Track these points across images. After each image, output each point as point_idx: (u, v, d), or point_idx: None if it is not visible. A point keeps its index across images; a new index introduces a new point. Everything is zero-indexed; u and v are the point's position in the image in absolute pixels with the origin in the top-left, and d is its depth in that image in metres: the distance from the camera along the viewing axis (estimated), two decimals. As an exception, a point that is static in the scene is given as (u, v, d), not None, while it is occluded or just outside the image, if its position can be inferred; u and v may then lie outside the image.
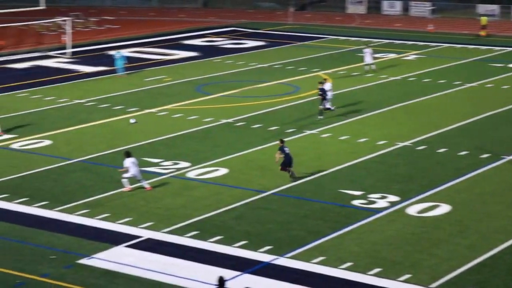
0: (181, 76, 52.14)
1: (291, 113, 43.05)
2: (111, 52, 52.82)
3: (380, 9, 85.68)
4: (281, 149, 31.83)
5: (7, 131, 38.50)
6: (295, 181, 31.77)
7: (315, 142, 37.73)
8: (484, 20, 70.70)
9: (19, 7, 66.70)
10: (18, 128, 39.31)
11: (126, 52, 60.34)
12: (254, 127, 40.06)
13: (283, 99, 45.87)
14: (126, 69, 52.08)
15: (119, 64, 51.73)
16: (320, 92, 41.19)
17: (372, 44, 64.72)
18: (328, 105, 41.56)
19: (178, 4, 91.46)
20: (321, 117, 41.05)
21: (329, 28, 75.14)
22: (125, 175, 30.62)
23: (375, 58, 54.26)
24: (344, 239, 26.67)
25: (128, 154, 30.90)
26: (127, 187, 30.67)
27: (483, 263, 24.86)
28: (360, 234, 27.07)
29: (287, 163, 31.78)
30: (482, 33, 70.04)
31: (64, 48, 58.93)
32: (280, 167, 31.82)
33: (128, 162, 30.57)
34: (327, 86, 42.29)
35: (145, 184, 30.91)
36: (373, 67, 53.54)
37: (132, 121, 28.58)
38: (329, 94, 41.95)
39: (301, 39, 68.49)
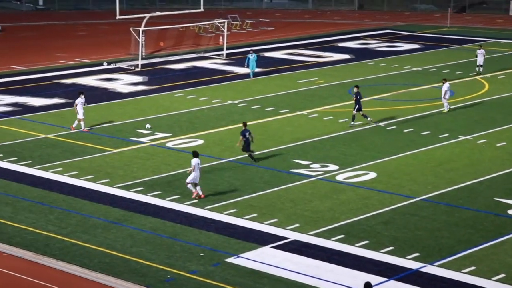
0: (334, 79, 52.09)
1: (445, 117, 42.12)
2: (248, 54, 53.44)
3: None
4: (242, 133, 33.67)
5: (161, 129, 39.71)
6: (255, 162, 33.86)
7: (469, 148, 36.74)
8: None
9: (179, 10, 68.68)
10: (173, 127, 40.48)
11: (279, 54, 61.07)
12: (406, 131, 39.45)
13: (438, 103, 44.90)
14: (255, 73, 52.29)
15: (253, 66, 52.02)
16: (356, 97, 39.83)
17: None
18: (446, 107, 42.32)
19: (333, 7, 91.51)
20: (353, 122, 40.00)
21: (490, 30, 73.02)
22: (189, 177, 29.90)
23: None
24: (498, 249, 25.85)
25: (195, 154, 30.16)
26: (194, 192, 30.16)
27: None
28: (514, 245, 26.17)
29: (245, 147, 33.46)
30: None
31: (220, 49, 60.18)
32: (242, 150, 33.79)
33: (194, 162, 29.85)
34: (445, 86, 42.37)
35: (200, 191, 30.13)
36: (481, 69, 52.53)
37: (148, 126, 28.19)
38: (446, 94, 42.29)
39: (460, 42, 66.90)
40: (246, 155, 34.22)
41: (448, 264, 24.75)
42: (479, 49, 53.09)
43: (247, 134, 33.89)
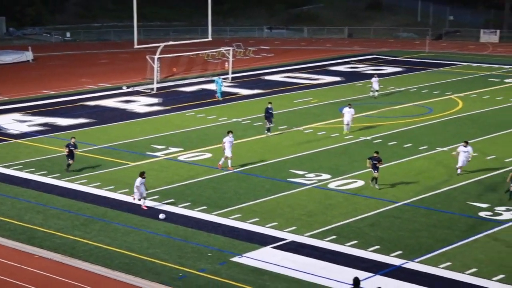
0: (326, 98, 52.15)
1: (424, 132, 42.14)
2: (213, 78, 53.57)
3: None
4: (67, 145, 34.42)
5: (174, 144, 39.76)
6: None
7: (446, 158, 36.71)
8: None
9: (190, 39, 68.82)
10: (185, 142, 40.54)
11: (278, 77, 61.20)
12: (390, 144, 39.48)
13: (417, 119, 44.96)
14: (223, 94, 52.28)
15: (219, 88, 52.08)
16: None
17: (502, 70, 62.64)
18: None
19: (326, 35, 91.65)
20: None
21: (463, 55, 73.07)
22: (137, 194, 29.66)
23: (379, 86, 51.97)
24: (470, 247, 25.82)
25: (140, 174, 29.64)
26: (142, 205, 29.86)
27: None
28: (485, 243, 26.13)
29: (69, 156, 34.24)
30: None
31: (226, 73, 60.33)
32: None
33: (138, 181, 29.43)
34: (346, 111, 41.05)
35: (144, 202, 29.86)
36: (376, 94, 51.43)
37: (161, 217, 28.05)
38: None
39: (437, 65, 66.96)
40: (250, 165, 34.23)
41: (427, 260, 24.72)
42: (374, 77, 52.04)
43: (71, 147, 34.52)
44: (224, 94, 52.69)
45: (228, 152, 34.69)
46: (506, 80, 58.28)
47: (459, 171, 33.74)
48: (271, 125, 41.57)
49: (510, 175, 30.21)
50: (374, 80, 51.82)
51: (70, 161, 34.72)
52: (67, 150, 34.72)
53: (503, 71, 62.81)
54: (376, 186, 31.91)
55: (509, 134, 41.32)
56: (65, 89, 56.95)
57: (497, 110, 47.85)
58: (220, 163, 35.03)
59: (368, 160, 32.31)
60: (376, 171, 31.93)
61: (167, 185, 33.12)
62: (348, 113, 41.26)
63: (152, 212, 29.62)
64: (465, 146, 33.41)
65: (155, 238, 26.99)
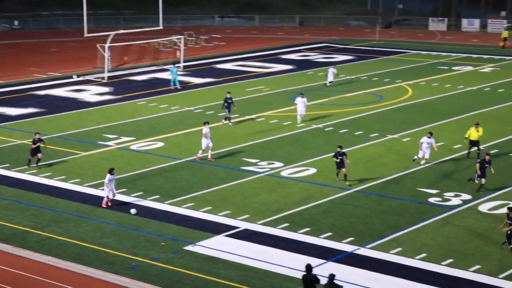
0: (278, 87, 52.28)
1: (375, 119, 42.59)
2: (168, 66, 53.30)
3: (460, 26, 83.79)
4: (33, 141, 33.17)
5: (126, 133, 39.45)
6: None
7: (396, 145, 37.19)
8: (505, 33, 69.41)
9: (141, 28, 68.19)
10: (136, 131, 40.23)
11: (230, 66, 61.10)
12: (341, 132, 39.80)
13: (368, 107, 45.40)
14: (180, 82, 52.01)
15: (175, 77, 51.68)
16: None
17: (450, 58, 63.65)
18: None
19: (277, 23, 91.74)
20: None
21: (412, 43, 73.95)
22: (105, 190, 28.83)
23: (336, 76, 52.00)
24: (420, 232, 26.21)
25: (110, 170, 28.86)
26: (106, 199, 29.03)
27: (548, 257, 24.00)
28: (434, 228, 26.55)
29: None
30: (501, 43, 69.62)
31: (178, 62, 59.95)
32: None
33: (107, 178, 28.60)
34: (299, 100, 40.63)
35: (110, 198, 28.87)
36: (328, 84, 51.52)
37: (133, 212, 27.66)
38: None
39: (386, 53, 67.63)
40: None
41: (378, 246, 25.02)
42: (332, 68, 51.96)
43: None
44: (173, 82, 52.31)
45: (209, 143, 34.45)
46: (454, 68, 59.21)
47: (416, 158, 33.58)
48: (231, 114, 41.32)
49: (478, 166, 30.13)
50: (331, 71, 51.86)
51: (39, 155, 33.49)
52: (34, 146, 33.49)
53: (451, 59, 63.77)
54: (347, 183, 30.85)
55: (457, 121, 42.01)
56: (14, 79, 55.94)
57: (446, 97, 48.59)
58: (209, 156, 34.52)
59: (334, 159, 31.26)
60: (343, 167, 30.90)
61: (119, 174, 32.77)
62: (301, 103, 41.37)
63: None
64: (429, 138, 33.20)
65: (108, 228, 26.77)
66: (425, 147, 33.25)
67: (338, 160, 31.01)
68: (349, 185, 30.75)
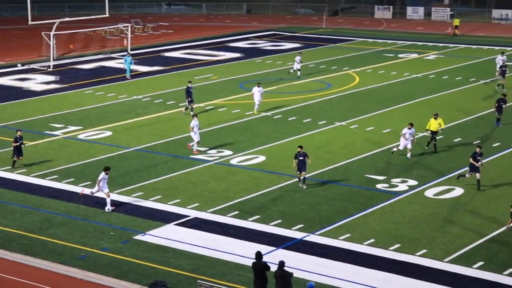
0: (227, 75, 52.18)
1: (323, 106, 42.87)
2: (123, 54, 52.65)
3: (405, 14, 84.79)
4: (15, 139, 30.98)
5: (73, 122, 38.93)
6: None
7: (344, 132, 37.52)
8: (457, 21, 70.70)
9: (87, 15, 67.22)
10: (84, 120, 39.71)
11: (178, 54, 60.72)
12: (290, 119, 39.96)
13: (316, 94, 45.66)
14: (131, 72, 51.23)
15: (128, 66, 50.94)
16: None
17: (396, 46, 64.40)
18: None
19: (225, 11, 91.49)
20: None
21: (359, 31, 74.57)
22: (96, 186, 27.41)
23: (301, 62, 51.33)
24: (368, 218, 26.52)
25: (105, 168, 27.33)
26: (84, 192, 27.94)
27: (492, 239, 24.56)
28: (382, 214, 26.89)
29: None
30: (452, 31, 70.86)
31: (125, 50, 59.30)
32: None
33: (101, 176, 27.12)
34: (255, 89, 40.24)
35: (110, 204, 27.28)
36: (292, 71, 51.18)
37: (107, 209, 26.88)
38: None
39: (334, 41, 68.06)
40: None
41: (327, 232, 25.24)
42: (299, 55, 51.44)
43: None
44: (126, 71, 51.72)
45: (196, 137, 33.70)
46: (400, 55, 59.93)
47: (395, 150, 32.95)
48: (193, 104, 40.92)
49: (471, 160, 29.02)
50: (297, 59, 51.29)
51: (18, 158, 31.66)
52: (15, 144, 31.64)
53: (396, 47, 64.52)
54: (304, 186, 29.19)
55: (403, 108, 42.56)
56: (-44, 67, 54.65)
57: (392, 84, 49.17)
58: (195, 149, 33.87)
59: (294, 160, 29.21)
60: (303, 170, 29.03)
61: (67, 164, 32.42)
62: (257, 92, 41.12)
63: (52, 191, 28.95)
64: (409, 129, 32.74)
65: (56, 219, 26.41)
66: (409, 138, 32.59)
67: (298, 161, 28.99)
68: (305, 189, 29.09)
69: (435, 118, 34.16)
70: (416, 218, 26.44)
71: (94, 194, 27.64)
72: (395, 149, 33.09)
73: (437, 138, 34.27)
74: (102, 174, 27.18)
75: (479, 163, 29.05)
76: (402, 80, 50.28)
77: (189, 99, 40.53)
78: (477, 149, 29.42)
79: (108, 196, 27.21)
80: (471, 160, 29.18)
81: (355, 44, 66.61)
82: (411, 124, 33.24)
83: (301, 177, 29.28)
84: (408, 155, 33.07)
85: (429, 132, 34.54)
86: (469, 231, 25.18)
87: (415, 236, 24.92)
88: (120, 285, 21.67)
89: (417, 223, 25.98)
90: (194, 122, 33.71)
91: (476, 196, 28.49)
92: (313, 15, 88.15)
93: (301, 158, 29.05)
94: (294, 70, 51.26)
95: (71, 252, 23.76)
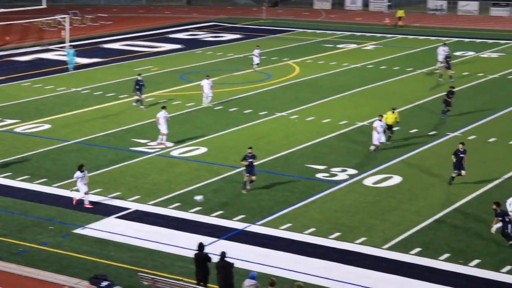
0: (167, 66, 51.84)
1: (263, 97, 42.98)
2: (66, 47, 51.90)
3: (343, 5, 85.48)
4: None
5: (9, 115, 38.16)
6: None
7: (284, 123, 37.69)
8: (401, 12, 71.89)
9: (23, 7, 65.81)
10: (21, 113, 38.95)
11: (117, 45, 60.05)
12: (231, 110, 39.95)
13: (257, 85, 45.76)
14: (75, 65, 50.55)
15: (71, 59, 50.15)
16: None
17: (335, 36, 64.94)
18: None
19: (164, 2, 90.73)
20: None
21: (298, 22, 74.91)
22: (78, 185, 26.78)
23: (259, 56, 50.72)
24: (309, 208, 26.73)
25: (79, 167, 26.83)
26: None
27: (428, 226, 25.05)
28: (322, 203, 27.15)
29: None
30: (391, 21, 71.78)
31: (63, 42, 58.31)
32: None
33: (75, 175, 26.67)
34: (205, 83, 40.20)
35: (87, 201, 26.76)
36: (255, 65, 50.43)
37: (198, 198, 25.96)
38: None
39: (273, 32, 68.24)
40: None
41: (269, 222, 25.36)
42: (257, 48, 50.96)
43: None
44: (64, 63, 50.82)
45: (163, 129, 33.15)
46: (339, 46, 60.45)
47: (373, 147, 32.46)
48: (142, 97, 40.42)
49: (453, 158, 28.21)
50: (255, 52, 50.61)
51: None
52: None
53: (335, 37, 65.06)
54: (243, 191, 27.84)
55: (343, 98, 42.99)
56: None
57: (332, 74, 49.58)
58: (163, 141, 33.24)
59: (243, 162, 27.92)
60: (252, 174, 27.62)
61: (4, 158, 31.77)
62: (207, 85, 40.70)
63: (-11, 187, 28.39)
64: (380, 121, 32.51)
65: (-7, 214, 25.90)
66: (380, 131, 32.42)
67: (247, 163, 27.66)
68: (246, 193, 27.88)
69: (393, 112, 34.30)
70: (356, 207, 26.78)
71: (87, 195, 26.70)
72: (372, 147, 32.74)
73: (393, 130, 34.23)
74: (77, 173, 26.49)
75: (463, 161, 27.96)
76: (341, 70, 50.76)
77: (138, 92, 40.06)
78: (460, 146, 28.32)
79: (87, 194, 26.62)
80: (453, 158, 28.18)
81: (295, 34, 66.90)
82: (381, 116, 33.07)
83: (248, 181, 27.81)
84: (372, 148, 32.61)
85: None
86: (407, 219, 25.63)
87: (354, 224, 25.24)
88: (59, 280, 21.36)
89: (356, 212, 26.32)
90: (162, 114, 33.25)
91: (414, 184, 29.00)
92: (253, 6, 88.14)
93: (250, 160, 27.63)
94: (257, 64, 50.47)
95: (9, 247, 23.33)
